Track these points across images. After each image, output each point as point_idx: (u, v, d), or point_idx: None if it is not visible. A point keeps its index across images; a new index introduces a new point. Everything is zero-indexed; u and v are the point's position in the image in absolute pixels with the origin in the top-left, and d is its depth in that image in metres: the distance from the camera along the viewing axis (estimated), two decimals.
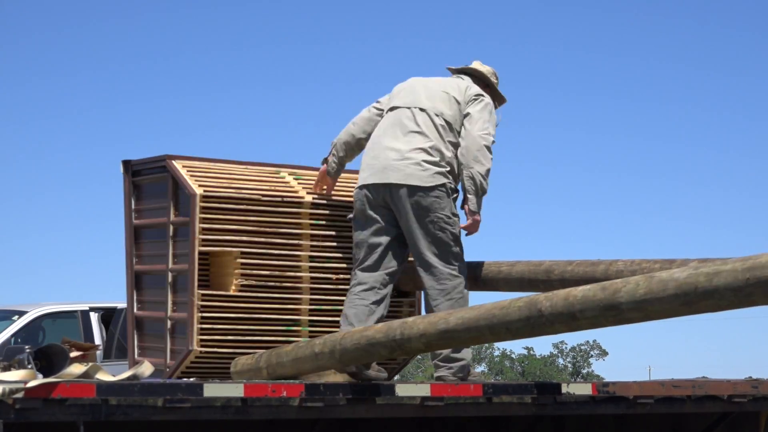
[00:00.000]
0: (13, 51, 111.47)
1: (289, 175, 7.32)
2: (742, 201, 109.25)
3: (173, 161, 7.01)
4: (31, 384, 5.42)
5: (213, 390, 5.91)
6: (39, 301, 11.80)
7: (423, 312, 7.36)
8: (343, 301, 7.10)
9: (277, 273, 7.00)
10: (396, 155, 6.78)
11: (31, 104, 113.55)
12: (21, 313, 11.45)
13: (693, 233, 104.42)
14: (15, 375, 5.71)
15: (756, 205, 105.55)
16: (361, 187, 6.86)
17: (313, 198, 7.15)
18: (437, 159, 6.77)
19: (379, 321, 6.73)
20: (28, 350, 5.99)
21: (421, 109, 6.88)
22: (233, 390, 5.95)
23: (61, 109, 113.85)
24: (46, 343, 6.96)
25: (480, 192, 6.84)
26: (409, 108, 6.91)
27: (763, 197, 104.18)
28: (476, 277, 7.03)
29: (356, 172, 7.52)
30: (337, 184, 7.35)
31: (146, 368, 6.21)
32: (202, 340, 6.78)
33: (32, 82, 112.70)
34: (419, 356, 9.83)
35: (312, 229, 7.12)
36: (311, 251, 7.09)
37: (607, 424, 7.60)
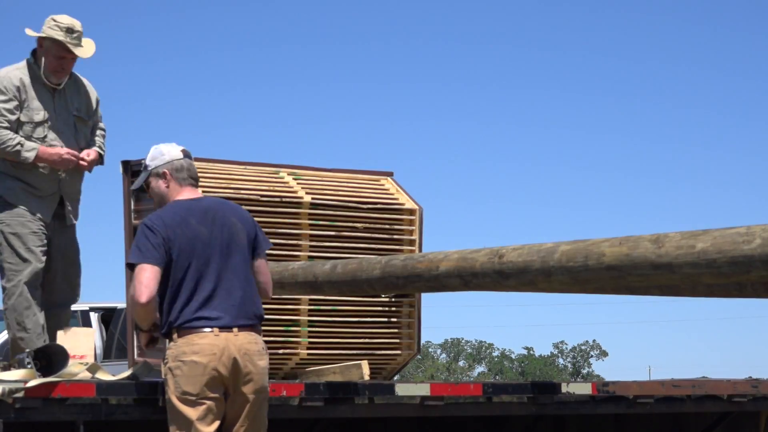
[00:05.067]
0: (13, 51, 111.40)
1: (288, 175, 7.31)
2: (742, 201, 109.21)
3: None
4: (31, 383, 5.41)
5: None
6: None
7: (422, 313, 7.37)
8: (342, 301, 7.10)
9: None
10: None
11: None
12: None
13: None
14: (15, 374, 5.70)
15: (754, 205, 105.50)
16: None
17: (312, 198, 7.15)
18: None
19: None
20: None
21: None
22: None
23: None
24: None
25: None
26: None
27: (760, 198, 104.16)
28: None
29: (353, 171, 7.52)
30: (338, 184, 7.35)
31: (146, 367, 6.20)
32: None
33: None
34: (419, 356, 9.82)
35: (311, 229, 7.11)
36: (310, 251, 7.08)
37: (607, 424, 7.60)
